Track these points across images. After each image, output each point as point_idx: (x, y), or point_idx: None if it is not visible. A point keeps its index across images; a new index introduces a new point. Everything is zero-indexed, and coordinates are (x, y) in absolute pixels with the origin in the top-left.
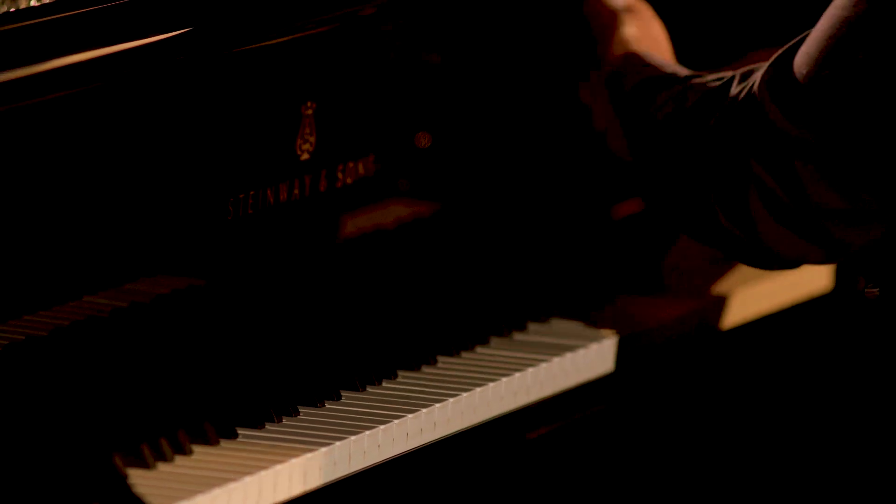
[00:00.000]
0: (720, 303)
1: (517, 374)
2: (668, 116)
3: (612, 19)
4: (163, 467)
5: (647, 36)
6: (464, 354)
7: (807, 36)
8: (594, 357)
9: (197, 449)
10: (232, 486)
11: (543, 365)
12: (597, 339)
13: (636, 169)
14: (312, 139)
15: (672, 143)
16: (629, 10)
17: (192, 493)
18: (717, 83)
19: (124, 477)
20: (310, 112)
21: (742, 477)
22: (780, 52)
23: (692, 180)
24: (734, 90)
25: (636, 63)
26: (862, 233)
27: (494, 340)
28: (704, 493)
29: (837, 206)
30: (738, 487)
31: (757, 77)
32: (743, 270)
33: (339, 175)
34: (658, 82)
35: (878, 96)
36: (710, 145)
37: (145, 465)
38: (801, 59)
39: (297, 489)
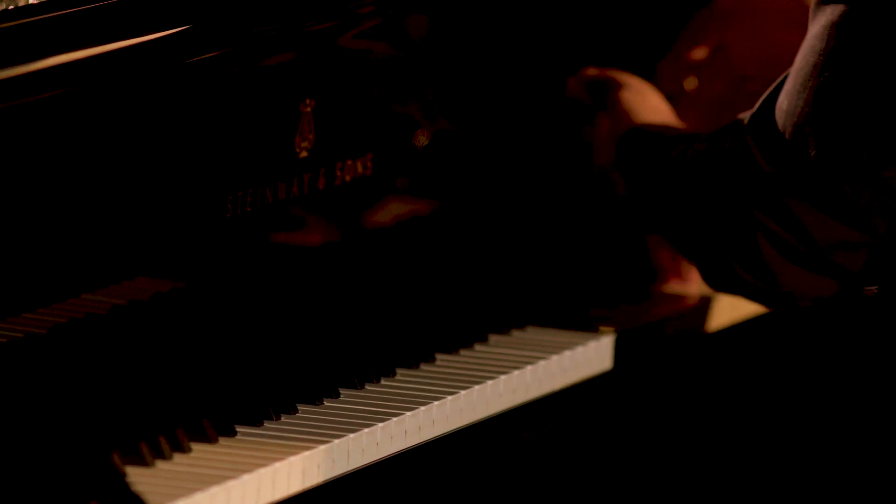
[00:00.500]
0: (710, 303)
1: (516, 372)
2: (673, 175)
3: (603, 99)
4: (161, 465)
5: (645, 106)
6: (462, 352)
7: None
8: (592, 355)
9: (196, 447)
10: (231, 483)
11: (542, 363)
12: (595, 337)
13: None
14: (311, 137)
15: (679, 200)
16: (619, 86)
17: (190, 490)
18: (712, 136)
19: (123, 475)
20: (308, 110)
21: (742, 476)
22: (764, 94)
23: (704, 239)
24: (725, 141)
25: (638, 133)
26: (863, 256)
27: (493, 338)
28: (701, 493)
29: (840, 236)
30: (738, 487)
31: (745, 120)
32: None
33: (338, 173)
34: (663, 143)
35: (854, 125)
36: (713, 199)
37: (144, 463)
38: (782, 97)
39: (296, 487)
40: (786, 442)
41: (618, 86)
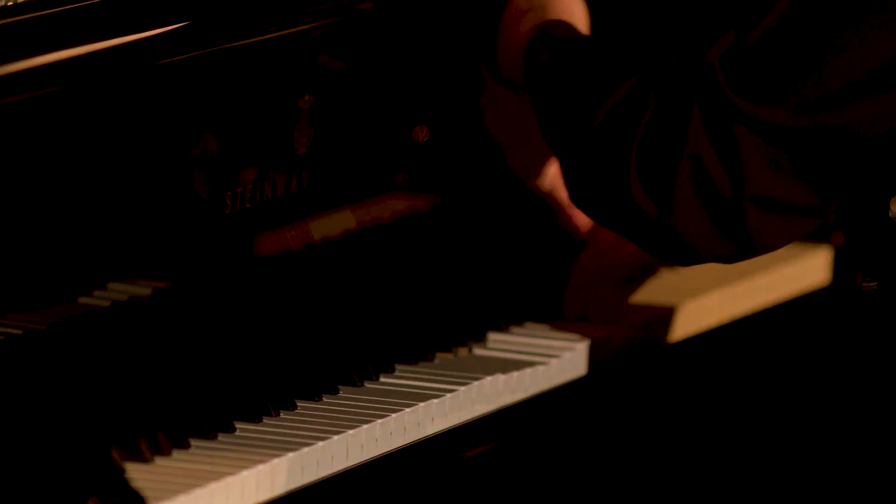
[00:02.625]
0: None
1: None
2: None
3: None
4: (160, 462)
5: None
6: (460, 351)
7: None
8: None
9: (194, 443)
10: (229, 480)
11: (539, 367)
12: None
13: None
14: (310, 132)
15: (605, 104)
16: None
17: (189, 487)
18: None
19: (122, 471)
20: (307, 105)
21: (746, 473)
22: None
23: (619, 139)
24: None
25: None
26: (784, 229)
27: (492, 335)
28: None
29: (773, 192)
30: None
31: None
32: (732, 268)
33: (337, 169)
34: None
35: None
36: (651, 109)
37: (142, 459)
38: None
39: (295, 483)
40: (785, 441)
41: None
